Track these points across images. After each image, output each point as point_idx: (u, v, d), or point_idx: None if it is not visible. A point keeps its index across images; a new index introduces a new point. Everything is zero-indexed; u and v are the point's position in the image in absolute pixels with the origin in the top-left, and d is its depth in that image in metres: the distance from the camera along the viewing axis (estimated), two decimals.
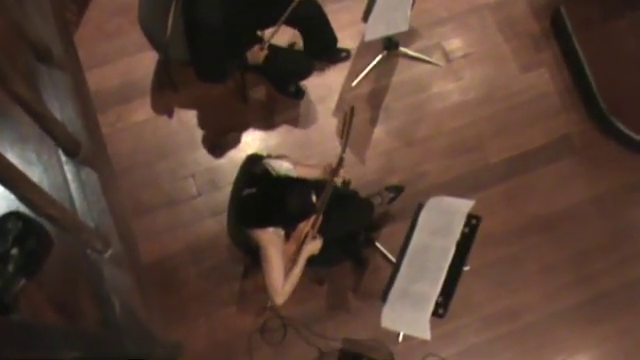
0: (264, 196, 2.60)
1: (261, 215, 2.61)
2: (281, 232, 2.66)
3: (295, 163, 2.84)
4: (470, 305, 3.55)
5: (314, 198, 2.64)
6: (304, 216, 2.67)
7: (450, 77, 3.90)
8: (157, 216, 3.63)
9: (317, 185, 2.77)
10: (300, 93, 3.80)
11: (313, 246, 2.73)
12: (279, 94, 3.82)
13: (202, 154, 3.73)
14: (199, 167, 3.71)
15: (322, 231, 2.80)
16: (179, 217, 3.63)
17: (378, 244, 3.57)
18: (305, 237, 2.75)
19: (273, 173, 2.67)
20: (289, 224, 2.69)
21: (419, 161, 3.75)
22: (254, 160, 2.92)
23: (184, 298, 3.53)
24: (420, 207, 2.84)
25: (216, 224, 3.59)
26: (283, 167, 2.72)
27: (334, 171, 2.79)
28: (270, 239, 2.60)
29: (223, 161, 3.73)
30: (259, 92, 3.83)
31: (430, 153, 3.77)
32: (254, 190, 2.63)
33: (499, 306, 3.58)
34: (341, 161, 2.81)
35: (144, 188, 3.67)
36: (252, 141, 3.76)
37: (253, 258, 2.83)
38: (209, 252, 3.59)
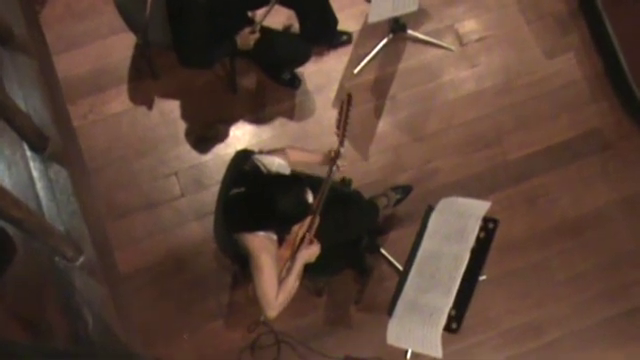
0: (254, 196, 2.59)
1: (251, 217, 2.59)
2: (273, 236, 2.65)
3: (290, 148, 2.85)
4: (487, 319, 3.54)
5: (310, 198, 2.63)
6: (299, 218, 2.66)
7: (464, 63, 3.90)
8: (135, 220, 3.62)
9: (313, 183, 2.77)
10: (296, 81, 3.80)
11: (309, 252, 2.73)
12: (272, 82, 3.81)
13: (186, 150, 3.73)
14: (182, 164, 3.71)
15: (321, 236, 2.79)
16: (160, 220, 3.63)
17: (383, 250, 3.57)
18: (301, 242, 2.75)
19: (264, 170, 2.66)
20: (282, 227, 2.68)
21: (429, 158, 3.75)
22: (244, 156, 2.91)
23: (166, 311, 3.52)
24: (430, 209, 2.84)
25: (201, 228, 3.59)
26: (275, 163, 2.71)
27: (331, 166, 2.79)
28: (261, 244, 2.59)
29: (209, 157, 3.72)
30: (250, 80, 3.83)
31: (441, 149, 3.76)
32: (243, 190, 2.63)
33: (520, 320, 3.58)
34: (337, 155, 2.81)
35: (120, 188, 3.66)
36: (242, 135, 3.76)
37: (243, 266, 2.83)
38: (194, 260, 3.58)
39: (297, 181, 2.64)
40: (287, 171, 2.75)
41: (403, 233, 3.57)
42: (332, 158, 2.85)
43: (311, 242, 2.75)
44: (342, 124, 2.81)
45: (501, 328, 3.56)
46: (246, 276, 2.76)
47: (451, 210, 2.77)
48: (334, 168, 2.85)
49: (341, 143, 2.83)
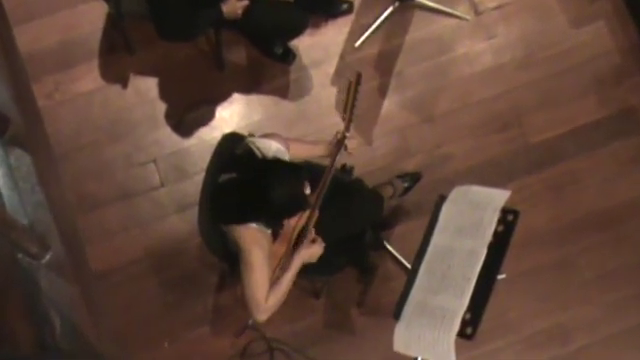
0: (246, 183, 2.58)
1: (242, 207, 2.59)
2: (267, 230, 2.65)
3: (289, 140, 2.84)
4: (506, 323, 3.55)
5: (307, 190, 2.62)
6: (291, 211, 2.66)
7: (480, 35, 3.89)
8: (109, 212, 3.62)
9: (314, 172, 2.76)
10: (290, 56, 3.79)
11: (311, 251, 2.72)
12: (263, 57, 3.80)
13: (166, 134, 3.72)
14: (162, 150, 3.70)
15: (318, 231, 2.79)
16: (137, 213, 3.63)
17: (389, 246, 3.58)
18: (298, 238, 2.74)
19: (258, 155, 2.65)
20: (273, 219, 2.68)
21: (440, 141, 3.75)
22: (233, 140, 2.91)
23: (144, 315, 3.53)
24: (442, 199, 2.84)
25: (183, 222, 3.59)
26: (272, 148, 2.71)
27: (335, 155, 2.78)
28: (253, 238, 2.58)
29: (192, 142, 3.72)
30: (238, 55, 3.82)
31: (454, 131, 3.76)
32: (234, 175, 2.62)
33: (543, 325, 3.59)
34: (342, 141, 2.79)
35: (92, 176, 3.66)
36: (229, 117, 3.75)
37: (232, 264, 2.82)
38: (175, 257, 3.58)
39: (295, 170, 2.63)
40: (285, 157, 2.74)
41: (411, 227, 3.57)
42: (337, 145, 2.84)
43: (313, 240, 2.74)
44: (349, 107, 2.78)
45: (522, 333, 3.57)
46: (235, 275, 2.76)
47: (465, 200, 2.77)
48: (338, 157, 2.83)
49: (347, 129, 2.81)
